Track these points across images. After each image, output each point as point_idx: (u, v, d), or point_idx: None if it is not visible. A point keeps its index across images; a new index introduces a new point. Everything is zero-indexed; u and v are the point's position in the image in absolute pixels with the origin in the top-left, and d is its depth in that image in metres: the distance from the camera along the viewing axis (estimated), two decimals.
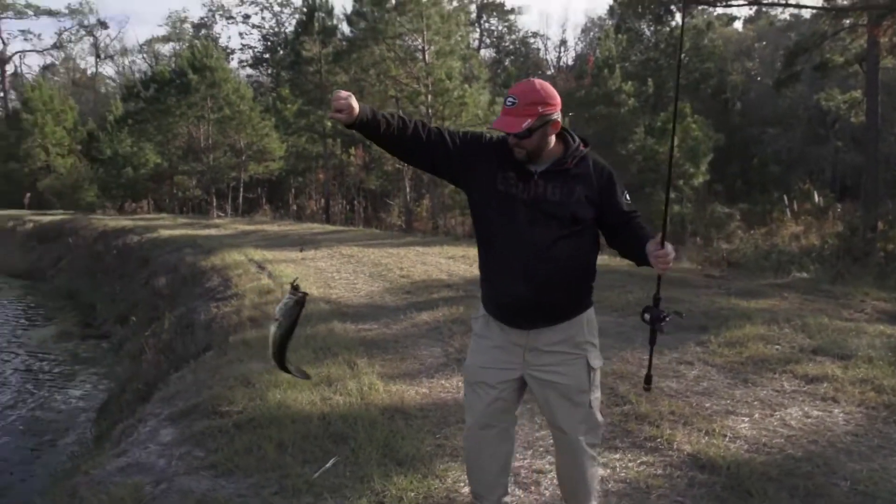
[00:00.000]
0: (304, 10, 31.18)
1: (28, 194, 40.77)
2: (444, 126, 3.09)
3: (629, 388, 5.04)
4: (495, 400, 2.90)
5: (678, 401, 4.78)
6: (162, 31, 68.21)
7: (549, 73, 51.57)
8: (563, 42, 54.10)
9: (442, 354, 6.36)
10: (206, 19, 58.85)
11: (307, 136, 32.93)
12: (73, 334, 13.87)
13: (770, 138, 33.63)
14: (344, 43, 27.20)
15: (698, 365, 5.65)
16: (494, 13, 52.29)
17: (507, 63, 49.02)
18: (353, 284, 10.28)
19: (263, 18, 50.63)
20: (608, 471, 3.77)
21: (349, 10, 27.12)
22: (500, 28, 53.60)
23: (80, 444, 7.51)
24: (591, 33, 52.22)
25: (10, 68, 62.95)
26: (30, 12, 63.24)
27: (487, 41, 53.67)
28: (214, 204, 33.88)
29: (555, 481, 3.47)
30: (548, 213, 2.75)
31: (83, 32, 65.78)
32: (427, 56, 22.95)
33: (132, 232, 20.84)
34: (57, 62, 67.76)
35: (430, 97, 22.75)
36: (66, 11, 64.59)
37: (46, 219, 29.58)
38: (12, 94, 58.40)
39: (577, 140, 2.88)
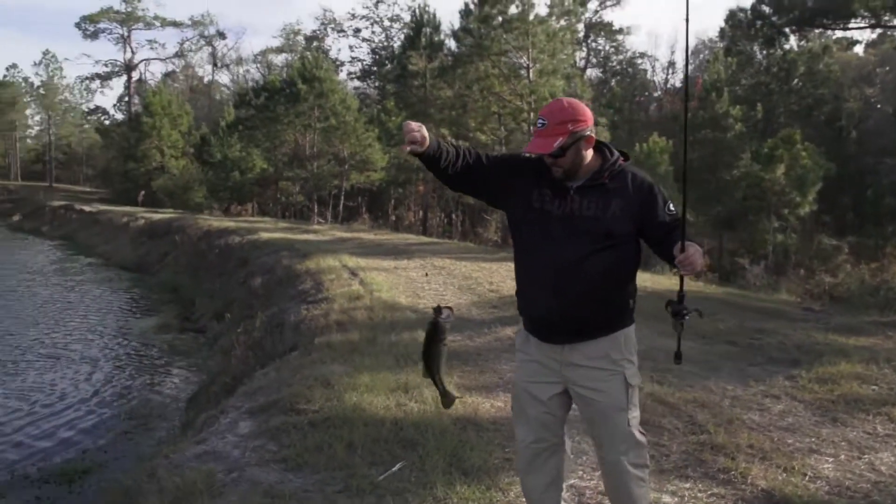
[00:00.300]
0: (412, 24, 31.79)
1: (142, 192, 42.93)
2: (483, 151, 3.04)
3: (708, 417, 4.89)
4: (543, 414, 2.90)
5: (759, 434, 4.61)
6: (276, 43, 70.54)
7: (655, 94, 50.76)
8: (672, 64, 52.66)
9: (512, 370, 6.34)
10: (318, 32, 60.51)
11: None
12: (172, 327, 14.47)
13: (888, 169, 31.93)
14: (449, 58, 27.58)
15: (785, 399, 5.43)
16: (602, 33, 51.85)
17: (612, 83, 48.49)
18: (442, 295, 10.35)
19: (373, 32, 51.52)
20: (676, 499, 3.67)
21: (457, 25, 27.48)
22: (607, 48, 53.11)
23: (168, 430, 7.83)
24: (701, 55, 51.04)
25: (135, 75, 66.76)
26: (157, 23, 67.51)
27: (594, 60, 53.26)
28: (315, 210, 34.78)
29: None
30: (581, 229, 2.74)
31: (203, 42, 69.14)
32: (531, 74, 22.98)
33: (234, 233, 21.59)
34: (177, 70, 71.34)
35: (532, 115, 22.74)
36: (189, 22, 67.98)
37: (157, 216, 31.00)
38: (136, 99, 61.68)
39: (616, 154, 2.87)
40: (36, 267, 24.78)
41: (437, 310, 2.84)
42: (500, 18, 22.84)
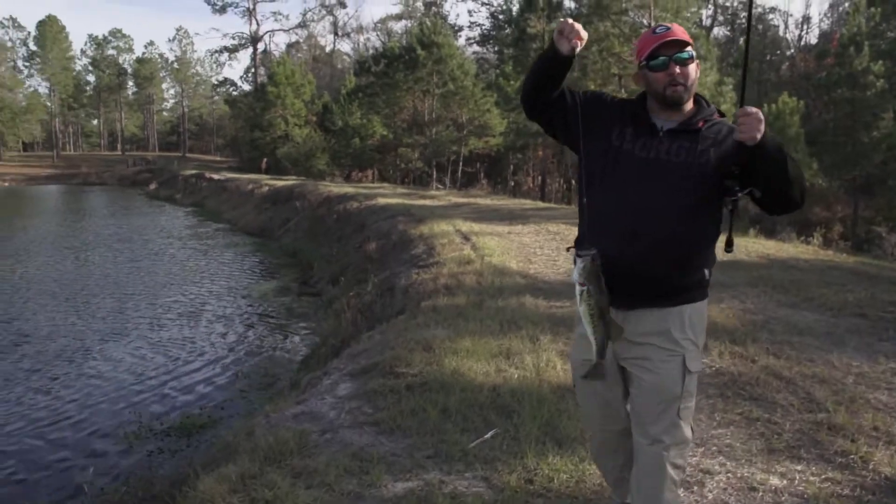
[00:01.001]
0: None
1: (265, 160, 44.44)
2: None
3: (828, 394, 4.50)
4: (603, 395, 2.65)
5: (885, 415, 4.20)
6: (395, 10, 71.45)
7: (788, 52, 47.97)
8: (807, 19, 49.58)
9: None
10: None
11: None
12: (290, 290, 14.88)
13: None
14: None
15: None
16: None
17: (741, 42, 46.10)
18: (554, 261, 10.13)
19: None
20: (784, 482, 3.37)
21: None
22: (735, 3, 50.46)
23: (277, 389, 8.03)
24: (840, 8, 47.75)
25: (261, 46, 68.92)
26: None
27: (721, 18, 50.80)
28: (434, 176, 35.02)
29: (721, 483, 3.18)
30: (667, 174, 2.42)
31: (324, 12, 70.53)
32: None
33: (353, 199, 21.95)
34: (301, 40, 73.22)
35: None
36: None
37: (280, 183, 31.96)
38: (262, 70, 63.71)
39: (712, 105, 2.59)
40: (173, 232, 26.20)
41: (586, 255, 2.33)
42: None
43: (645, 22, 22.51)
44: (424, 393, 4.34)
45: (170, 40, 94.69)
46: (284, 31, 75.13)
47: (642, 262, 2.40)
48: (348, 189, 26.06)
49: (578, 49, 2.45)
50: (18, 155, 79.75)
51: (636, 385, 2.51)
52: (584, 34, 2.45)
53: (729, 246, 2.56)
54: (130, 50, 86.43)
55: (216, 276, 16.69)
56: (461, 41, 51.95)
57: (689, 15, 23.79)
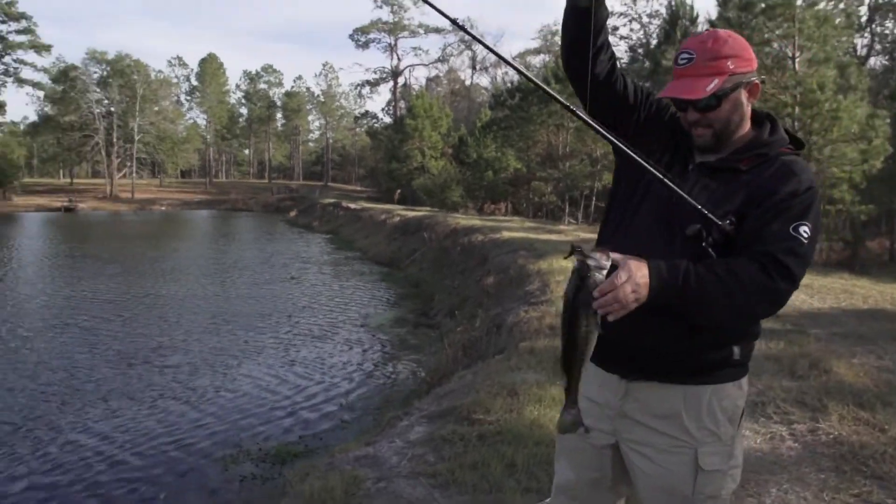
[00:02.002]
0: (667, 17, 30.38)
1: (399, 191, 45.40)
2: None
3: None
4: (587, 468, 2.12)
5: None
6: (534, 44, 71.83)
7: None
8: None
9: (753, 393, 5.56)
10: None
11: None
12: (408, 321, 14.89)
13: None
14: None
15: None
16: (891, 14, 46.26)
17: None
18: None
19: (631, 30, 50.32)
20: None
21: (714, 15, 25.76)
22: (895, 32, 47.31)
23: (366, 425, 7.93)
24: None
25: (401, 80, 71.27)
26: (421, 31, 72.50)
27: (879, 47, 47.73)
28: (566, 210, 34.57)
29: None
30: (675, 220, 1.90)
31: (463, 47, 72.05)
32: (797, 64, 20.94)
33: (478, 231, 21.89)
34: (441, 74, 74.82)
35: (797, 109, 20.73)
36: (451, 29, 71.37)
37: (411, 214, 32.44)
38: (402, 103, 65.56)
39: (779, 134, 1.98)
40: (308, 258, 27.32)
41: (579, 252, 1.72)
42: (762, 4, 21.01)
43: (789, 53, 21.34)
44: (495, 444, 4.08)
45: (316, 75, 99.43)
46: (424, 65, 77.05)
47: (642, 329, 1.87)
48: (475, 221, 26.06)
49: None
50: (176, 181, 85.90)
51: (635, 476, 2.04)
52: None
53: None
54: (280, 84, 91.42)
55: (339, 303, 16.98)
56: None
57: (837, 44, 22.37)
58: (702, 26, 28.82)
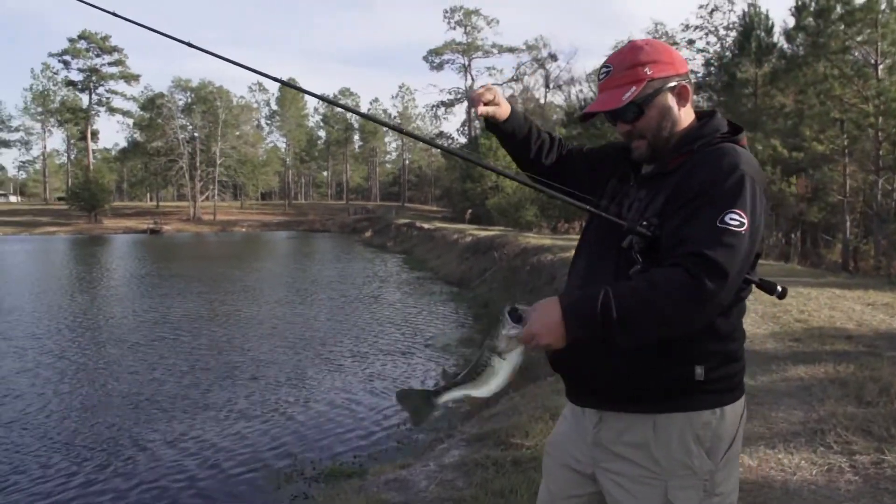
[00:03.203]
0: (741, 28, 29.66)
1: (469, 210, 45.51)
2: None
3: None
4: (568, 498, 2.02)
5: None
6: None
7: None
8: None
9: (800, 421, 5.25)
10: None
11: None
12: (474, 342, 14.80)
13: None
14: (782, 61, 25.20)
15: None
16: None
17: None
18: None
19: (707, 43, 49.12)
20: None
21: (790, 24, 25.04)
22: None
23: (415, 447, 7.89)
24: None
25: None
26: (495, 51, 73.31)
27: None
28: None
29: None
30: (613, 239, 1.84)
31: (537, 66, 72.17)
32: (879, 71, 20.16)
33: (548, 251, 21.68)
34: (515, 93, 74.85)
35: (880, 119, 19.92)
36: (524, 47, 71.98)
37: (483, 234, 32.42)
38: (476, 123, 66.00)
39: (715, 125, 1.90)
40: (382, 277, 27.83)
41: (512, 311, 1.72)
42: (839, 10, 20.32)
43: (872, 60, 20.56)
44: (527, 470, 3.97)
45: (393, 97, 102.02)
46: (498, 84, 77.28)
47: (586, 353, 1.80)
48: (546, 241, 25.84)
49: (492, 112, 2.13)
50: (256, 203, 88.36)
51: None
52: (489, 95, 2.11)
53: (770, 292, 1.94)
54: (357, 107, 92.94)
55: (408, 323, 17.06)
56: None
57: None
58: (777, 37, 28.05)
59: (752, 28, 28.45)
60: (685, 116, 1.91)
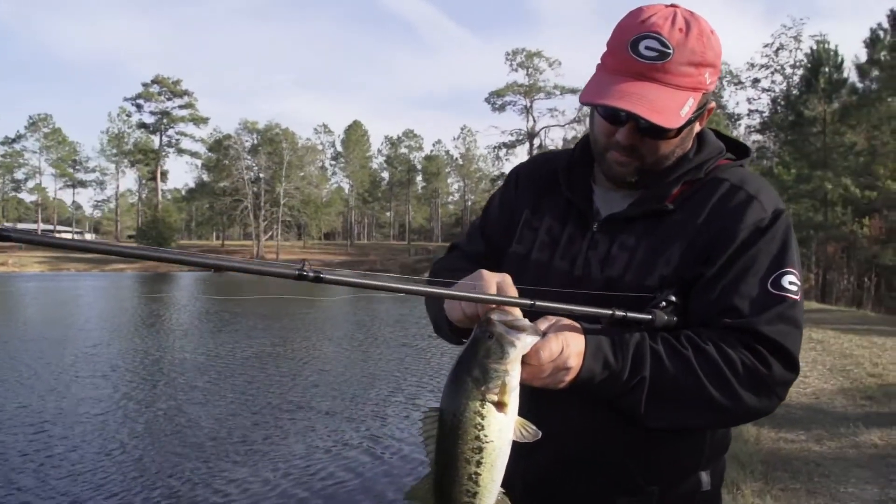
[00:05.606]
0: (808, 64, 28.59)
1: None
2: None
3: None
4: None
5: None
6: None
7: None
8: None
9: (874, 499, 4.59)
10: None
11: (809, 203, 29.98)
12: None
13: None
14: (854, 97, 24.15)
15: None
16: None
17: None
18: (803, 377, 8.54)
19: (773, 82, 47.88)
20: None
21: (862, 58, 23.93)
22: None
23: None
24: None
25: (537, 141, 71.87)
26: (556, 92, 73.57)
27: None
28: None
29: None
30: (592, 304, 1.19)
31: None
32: None
33: None
34: (578, 134, 74.66)
35: None
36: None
37: None
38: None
39: (714, 144, 1.39)
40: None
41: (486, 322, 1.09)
42: None
43: None
44: None
45: (454, 138, 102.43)
46: (560, 126, 77.03)
47: (546, 473, 1.36)
48: None
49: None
50: (318, 242, 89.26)
51: None
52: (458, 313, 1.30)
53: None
54: (420, 148, 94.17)
55: (438, 366, 16.71)
56: (741, 129, 49.74)
57: None
58: (848, 72, 26.82)
59: (819, 64, 27.34)
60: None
